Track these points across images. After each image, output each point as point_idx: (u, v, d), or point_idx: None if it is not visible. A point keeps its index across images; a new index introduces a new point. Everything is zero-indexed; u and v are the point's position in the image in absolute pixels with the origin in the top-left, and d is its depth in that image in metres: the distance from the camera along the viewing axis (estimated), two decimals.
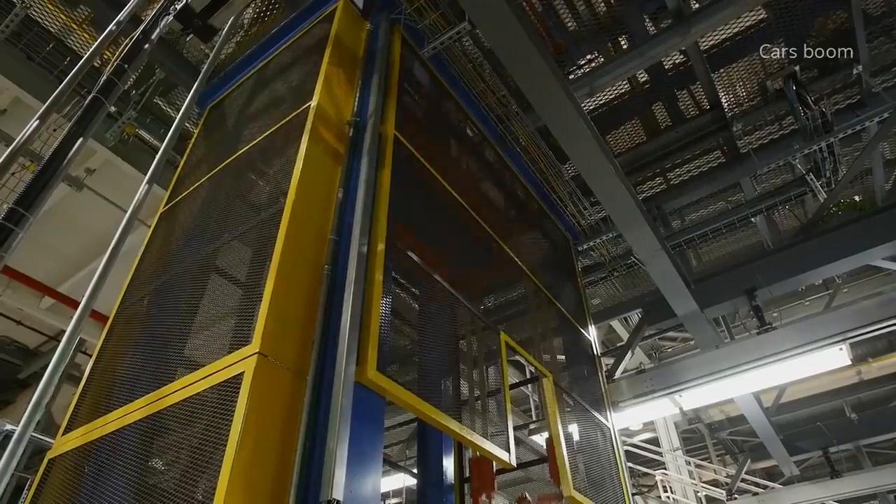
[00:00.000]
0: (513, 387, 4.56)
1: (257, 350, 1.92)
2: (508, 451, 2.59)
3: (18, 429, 2.83)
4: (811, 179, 5.18)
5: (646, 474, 12.96)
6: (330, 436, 1.74)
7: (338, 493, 1.60)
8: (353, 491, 1.71)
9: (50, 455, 2.69)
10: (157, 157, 3.40)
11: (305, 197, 2.43)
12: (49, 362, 2.65)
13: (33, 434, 2.57)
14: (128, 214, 3.12)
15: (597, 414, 3.97)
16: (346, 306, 2.08)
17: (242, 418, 1.76)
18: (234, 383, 1.91)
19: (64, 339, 4.24)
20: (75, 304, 4.48)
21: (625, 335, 8.60)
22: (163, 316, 2.73)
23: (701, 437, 13.94)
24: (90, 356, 3.01)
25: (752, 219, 5.54)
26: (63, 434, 2.71)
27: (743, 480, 10.99)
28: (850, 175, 5.25)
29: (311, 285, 2.23)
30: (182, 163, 3.88)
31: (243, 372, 1.90)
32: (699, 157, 5.82)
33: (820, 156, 4.99)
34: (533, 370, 4.64)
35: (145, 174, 3.34)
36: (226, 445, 1.74)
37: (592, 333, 4.67)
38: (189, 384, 2.13)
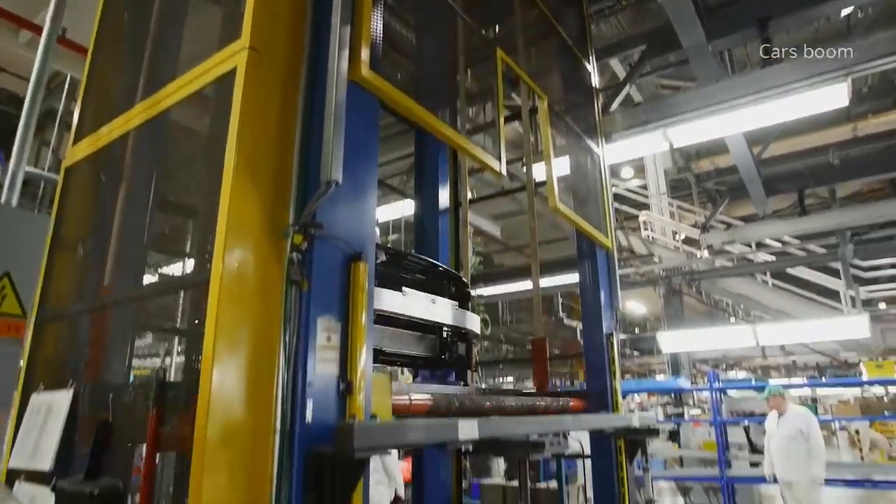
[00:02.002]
0: (508, 120, 4.63)
1: (247, 45, 1.90)
2: (499, 159, 2.74)
3: (11, 164, 2.94)
4: None
5: (632, 217, 13.88)
6: (326, 126, 1.81)
7: (336, 174, 1.73)
8: (350, 176, 1.85)
9: (65, 165, 2.85)
10: None
11: None
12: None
13: (31, 169, 2.66)
14: None
15: (589, 141, 4.10)
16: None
17: (239, 111, 1.82)
18: (227, 79, 1.94)
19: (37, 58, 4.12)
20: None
21: None
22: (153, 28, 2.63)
23: (687, 184, 14.55)
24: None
25: None
26: (73, 145, 2.83)
27: (721, 222, 11.80)
28: None
29: None
30: None
31: (235, 67, 1.91)
32: None
33: None
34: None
35: None
36: (226, 138, 1.83)
37: (592, 64, 4.56)
38: (184, 84, 2.16)
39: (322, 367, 1.67)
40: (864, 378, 12.20)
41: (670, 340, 11.67)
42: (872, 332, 10.90)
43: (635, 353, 17.82)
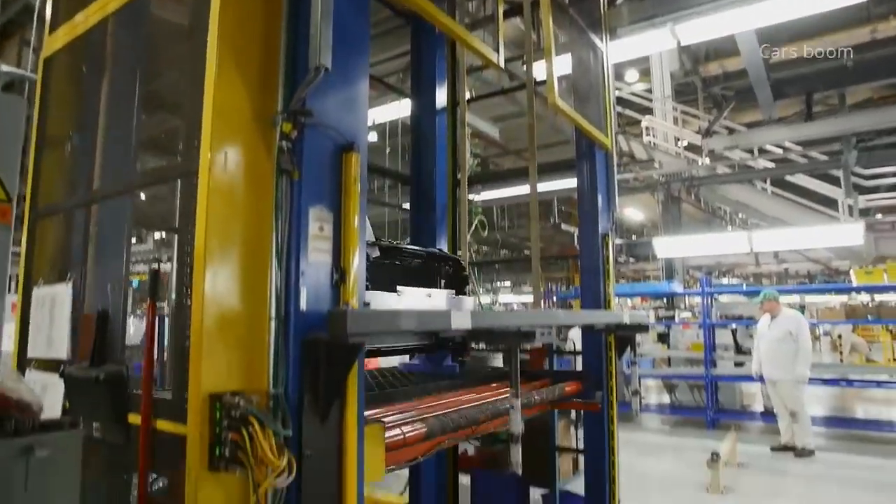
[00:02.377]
0: (508, 15, 4.38)
1: None
2: (498, 52, 2.63)
3: None
4: None
5: (634, 122, 13.57)
6: (313, 9, 1.71)
7: (325, 60, 1.65)
8: (340, 64, 1.77)
9: (44, 56, 2.72)
10: None
11: None
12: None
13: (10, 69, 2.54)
14: None
15: (592, 36, 3.91)
16: None
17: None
18: None
19: None
20: None
21: None
22: None
23: (693, 89, 14.07)
24: None
25: None
26: (50, 34, 2.69)
27: (725, 128, 11.53)
28: None
29: None
30: None
31: None
32: None
33: None
34: None
35: None
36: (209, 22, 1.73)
37: None
38: None
39: (315, 256, 1.68)
40: (854, 285, 12.45)
41: (666, 246, 11.80)
42: (866, 239, 11.01)
43: (631, 259, 18.09)
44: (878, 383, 8.92)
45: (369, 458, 1.73)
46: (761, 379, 7.73)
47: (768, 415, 8.91)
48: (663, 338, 10.72)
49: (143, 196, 2.61)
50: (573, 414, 4.50)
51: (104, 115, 2.32)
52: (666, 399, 10.18)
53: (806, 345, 7.24)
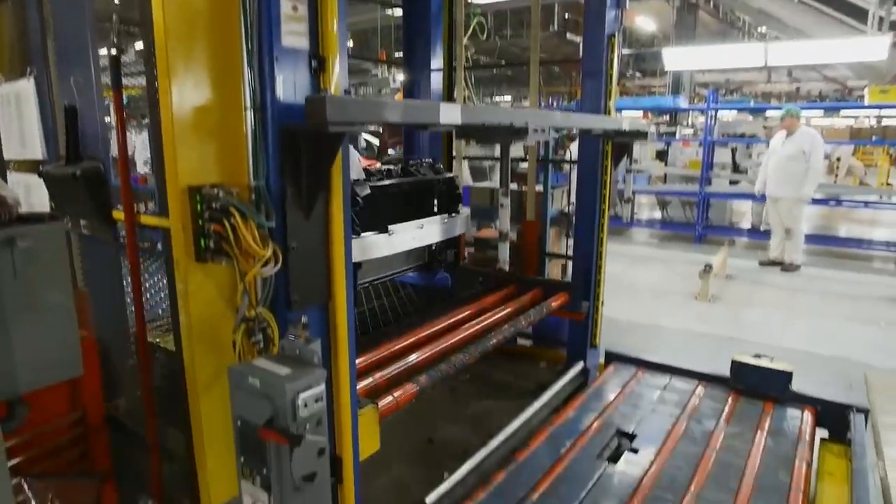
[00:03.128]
0: None
1: None
2: None
3: None
4: None
5: None
6: None
7: None
8: None
9: None
10: None
11: None
12: None
13: None
14: None
15: None
16: None
17: None
18: None
19: None
20: None
21: None
22: None
23: None
24: None
25: None
26: None
27: None
28: None
29: None
30: None
31: None
32: None
33: None
34: None
35: None
36: None
37: None
38: None
39: (289, 40, 1.52)
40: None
41: (676, 57, 11.08)
42: (890, 54, 10.35)
43: (637, 74, 17.25)
44: (866, 203, 9.05)
45: (365, 436, 1.85)
46: (762, 198, 7.77)
47: (755, 231, 9.18)
48: (662, 155, 10.62)
49: None
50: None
51: None
52: (657, 216, 10.40)
53: (817, 164, 7.18)
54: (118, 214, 1.77)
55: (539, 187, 4.09)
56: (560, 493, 2.29)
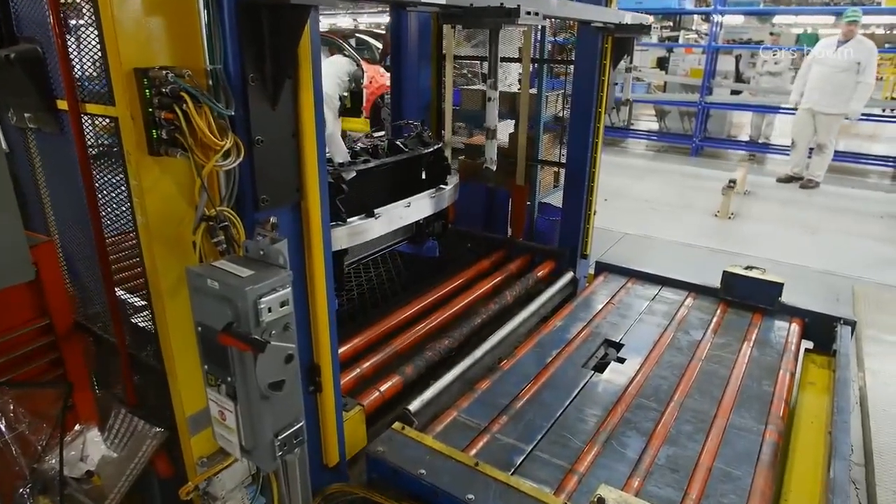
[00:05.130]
0: None
1: None
2: None
3: None
4: None
5: None
6: None
7: None
8: None
9: None
10: None
11: None
12: None
13: None
14: None
15: None
16: None
17: None
18: None
19: None
20: None
21: None
22: None
23: None
24: None
25: None
26: None
27: None
28: None
29: None
30: None
31: None
32: None
33: None
34: None
35: None
36: None
37: None
38: None
39: None
40: None
41: None
42: None
43: None
44: (868, 116, 8.73)
45: (351, 435, 1.99)
46: (794, 110, 7.34)
47: (753, 144, 8.97)
48: (662, 63, 10.18)
49: None
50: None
51: None
52: (655, 127, 10.11)
53: (870, 79, 6.66)
54: (63, 104, 1.59)
55: (534, 91, 3.86)
56: (544, 401, 2.28)
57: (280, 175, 1.50)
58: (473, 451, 1.99)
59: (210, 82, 1.35)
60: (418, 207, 2.89)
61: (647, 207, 6.24)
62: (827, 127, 6.98)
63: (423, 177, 3.02)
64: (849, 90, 6.71)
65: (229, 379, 1.15)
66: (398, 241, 3.08)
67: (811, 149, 7.31)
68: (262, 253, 1.21)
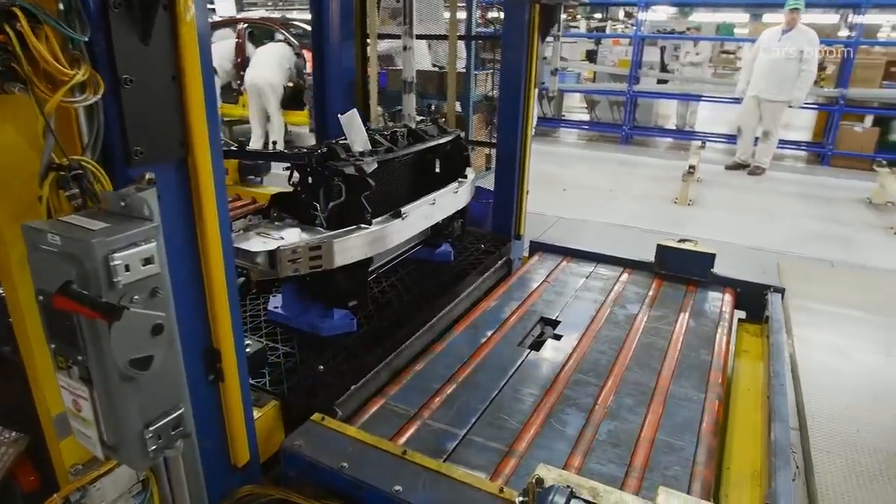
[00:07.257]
0: None
1: None
2: None
3: None
4: None
5: None
6: None
7: None
8: None
9: None
10: None
11: None
12: None
13: None
14: None
15: None
16: None
17: None
18: None
19: None
20: None
21: None
22: None
23: None
24: None
25: None
26: None
27: None
28: None
29: None
30: None
31: None
32: None
33: None
34: None
35: None
36: None
37: None
38: None
39: None
40: None
41: None
42: None
43: None
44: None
45: (267, 432, 1.82)
46: (738, 100, 7.52)
47: (680, 132, 9.22)
48: (591, 56, 10.34)
49: None
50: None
51: None
52: (586, 117, 10.24)
53: (812, 67, 6.87)
54: None
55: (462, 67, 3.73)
56: (478, 383, 2.13)
57: (158, 125, 1.27)
58: (402, 440, 1.81)
59: (61, 6, 1.11)
60: (443, 206, 2.52)
61: (606, 195, 6.30)
62: (771, 114, 7.23)
63: (440, 169, 2.64)
64: (792, 78, 6.93)
65: (80, 358, 0.92)
66: (413, 246, 2.70)
67: (756, 137, 7.56)
68: (123, 204, 0.99)
